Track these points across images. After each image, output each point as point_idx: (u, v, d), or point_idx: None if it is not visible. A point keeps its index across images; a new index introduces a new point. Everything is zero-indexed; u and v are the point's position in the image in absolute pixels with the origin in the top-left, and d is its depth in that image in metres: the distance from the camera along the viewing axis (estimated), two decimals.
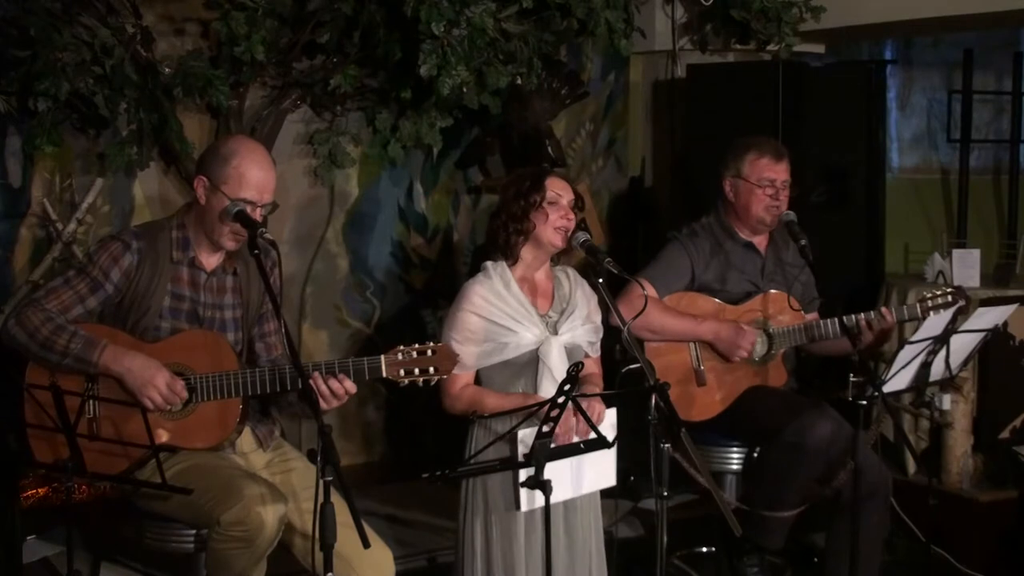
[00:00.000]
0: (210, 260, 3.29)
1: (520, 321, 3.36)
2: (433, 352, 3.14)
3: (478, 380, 3.44)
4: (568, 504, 3.38)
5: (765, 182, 4.00)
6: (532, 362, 3.37)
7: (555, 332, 3.40)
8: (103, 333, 3.16)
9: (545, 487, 2.91)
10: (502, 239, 3.43)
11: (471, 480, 3.37)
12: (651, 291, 3.78)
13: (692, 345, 3.97)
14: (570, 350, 3.41)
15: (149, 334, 3.20)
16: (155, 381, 3.09)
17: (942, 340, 3.68)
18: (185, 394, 3.12)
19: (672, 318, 3.92)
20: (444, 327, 3.42)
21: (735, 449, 4.05)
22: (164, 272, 3.22)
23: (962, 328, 3.74)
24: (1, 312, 4.44)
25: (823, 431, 3.80)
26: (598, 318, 3.51)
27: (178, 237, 3.26)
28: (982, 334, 3.83)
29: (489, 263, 3.44)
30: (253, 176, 3.17)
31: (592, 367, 3.50)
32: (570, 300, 3.47)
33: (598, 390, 3.43)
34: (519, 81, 4.88)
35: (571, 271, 3.55)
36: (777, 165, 4.02)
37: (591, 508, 3.46)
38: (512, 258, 3.43)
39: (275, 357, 3.40)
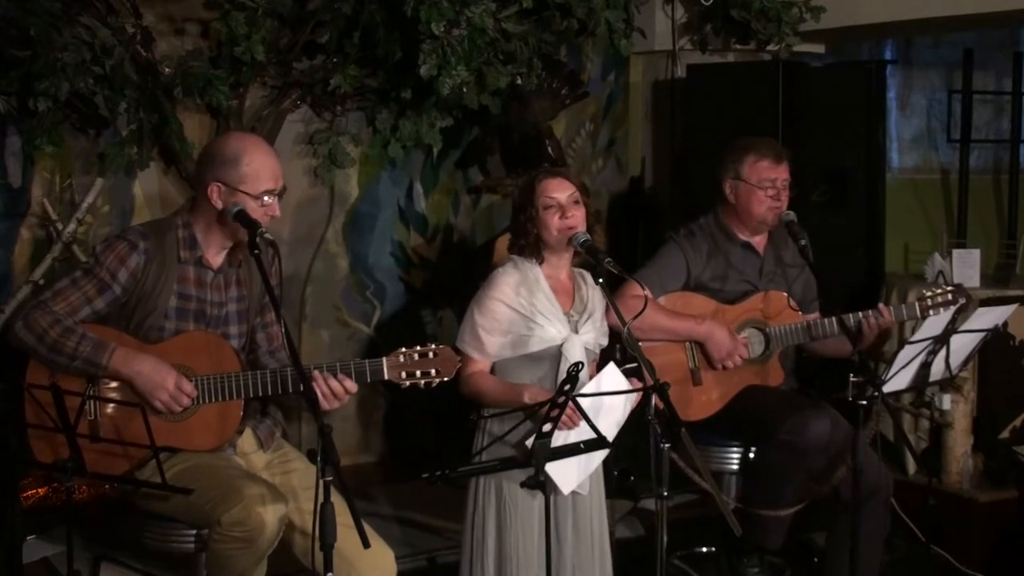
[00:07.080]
0: (216, 258, 3.28)
1: (546, 316, 3.37)
2: (435, 354, 3.15)
3: (495, 368, 3.44)
4: (576, 501, 3.38)
5: (766, 183, 3.99)
6: (553, 358, 3.38)
7: (576, 331, 3.41)
8: (111, 336, 3.15)
9: (545, 487, 2.91)
10: (519, 248, 3.45)
11: (480, 479, 3.37)
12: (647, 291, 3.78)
13: (688, 345, 3.96)
14: (589, 350, 3.42)
15: (153, 334, 3.19)
16: (165, 384, 3.09)
17: (942, 340, 3.68)
18: (195, 394, 3.13)
19: (665, 318, 3.91)
20: (470, 310, 3.41)
21: (734, 449, 4.04)
22: (171, 272, 3.20)
23: (962, 328, 3.74)
24: (1, 312, 4.44)
25: (819, 430, 3.80)
26: (605, 323, 3.51)
27: (185, 236, 3.24)
28: (982, 334, 3.83)
29: (517, 257, 3.45)
30: (267, 166, 3.17)
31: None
32: (588, 302, 3.48)
33: None
34: (519, 81, 4.88)
35: (587, 274, 3.53)
36: (778, 167, 4.02)
37: (596, 507, 3.47)
38: (537, 260, 3.44)
39: (275, 347, 3.39)
